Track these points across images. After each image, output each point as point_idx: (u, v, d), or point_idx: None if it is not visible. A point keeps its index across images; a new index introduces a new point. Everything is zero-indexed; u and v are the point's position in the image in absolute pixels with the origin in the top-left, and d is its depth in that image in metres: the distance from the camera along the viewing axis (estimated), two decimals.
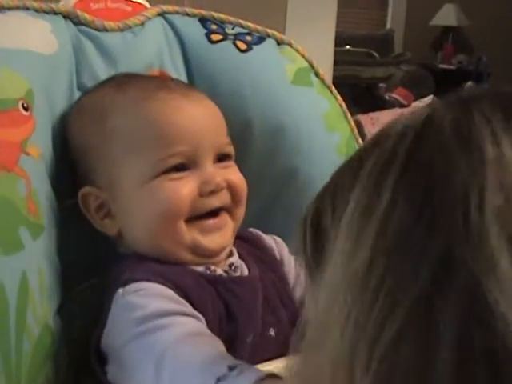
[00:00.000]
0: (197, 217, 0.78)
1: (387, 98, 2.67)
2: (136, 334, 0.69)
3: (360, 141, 1.00)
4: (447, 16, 4.59)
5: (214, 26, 0.97)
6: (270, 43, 0.99)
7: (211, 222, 0.79)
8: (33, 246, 0.73)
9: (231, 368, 0.62)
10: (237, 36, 0.97)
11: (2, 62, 0.76)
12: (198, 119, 0.79)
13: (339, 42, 2.43)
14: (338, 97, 1.01)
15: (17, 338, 0.69)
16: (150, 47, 0.93)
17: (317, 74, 1.00)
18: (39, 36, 0.83)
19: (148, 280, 0.73)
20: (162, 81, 0.84)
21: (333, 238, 0.46)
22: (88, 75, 0.88)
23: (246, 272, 0.83)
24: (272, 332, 0.79)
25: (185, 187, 0.77)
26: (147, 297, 0.71)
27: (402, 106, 2.66)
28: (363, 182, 0.44)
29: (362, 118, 2.59)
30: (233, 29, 0.98)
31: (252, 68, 0.95)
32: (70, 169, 0.83)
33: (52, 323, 0.75)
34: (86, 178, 0.81)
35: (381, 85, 2.73)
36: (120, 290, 0.73)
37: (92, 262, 0.82)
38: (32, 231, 0.73)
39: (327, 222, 0.47)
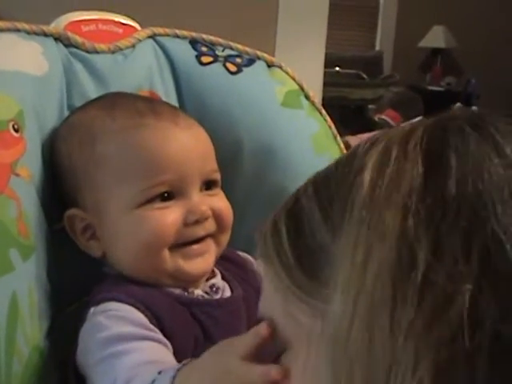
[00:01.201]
0: (181, 243, 0.79)
1: (376, 119, 2.69)
2: (100, 357, 0.70)
3: None
4: (436, 38, 4.62)
5: (204, 48, 0.98)
6: (260, 65, 1.00)
7: (194, 247, 0.79)
8: (23, 267, 0.73)
9: (159, 372, 0.65)
10: (227, 58, 0.98)
11: None
12: (185, 147, 0.79)
13: (328, 63, 2.45)
14: (328, 119, 1.01)
15: (6, 358, 0.69)
16: (140, 69, 0.93)
17: (307, 97, 1.00)
18: (30, 57, 0.83)
19: (119, 301, 0.74)
20: (151, 104, 0.83)
21: (333, 239, 0.46)
22: (78, 96, 0.88)
23: (228, 293, 0.83)
24: None
25: (169, 217, 0.77)
26: (113, 318, 0.72)
27: (391, 127, 2.68)
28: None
29: (352, 139, 2.60)
30: (223, 51, 0.99)
31: (242, 90, 0.96)
32: (59, 189, 0.83)
33: (42, 344, 0.76)
34: (73, 199, 0.82)
35: (370, 106, 2.75)
36: (92, 309, 0.75)
37: (82, 282, 0.81)
38: (22, 252, 0.73)
39: (315, 223, 0.48)
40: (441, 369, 0.39)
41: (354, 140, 2.58)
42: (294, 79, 1.01)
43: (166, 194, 0.78)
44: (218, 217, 0.81)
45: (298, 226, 0.49)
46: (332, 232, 0.47)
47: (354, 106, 2.75)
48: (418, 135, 0.46)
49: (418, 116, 2.83)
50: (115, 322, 0.72)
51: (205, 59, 0.97)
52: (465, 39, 4.60)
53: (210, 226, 0.80)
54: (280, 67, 1.01)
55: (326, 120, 1.01)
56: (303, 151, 0.96)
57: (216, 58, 0.97)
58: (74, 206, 0.81)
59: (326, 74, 2.45)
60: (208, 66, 0.96)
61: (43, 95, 0.83)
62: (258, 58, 1.00)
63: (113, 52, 0.92)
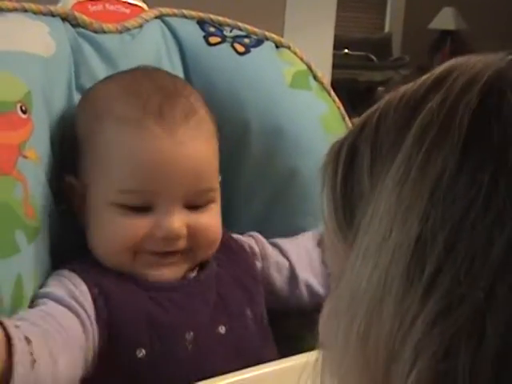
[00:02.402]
0: (145, 251, 0.79)
1: None
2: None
3: None
4: (445, 20, 4.58)
5: (212, 29, 0.97)
6: (268, 46, 0.99)
7: (159, 259, 0.79)
8: (28, 249, 0.73)
9: None
10: (235, 39, 0.97)
11: (1, 65, 0.76)
12: (171, 164, 0.77)
13: (337, 45, 2.43)
14: (337, 100, 1.01)
15: None
16: (148, 49, 0.93)
17: (315, 77, 1.00)
18: (37, 38, 0.83)
19: (74, 271, 0.77)
20: (165, 102, 0.79)
21: (371, 190, 0.43)
22: (87, 77, 0.87)
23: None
24: (222, 330, 0.79)
25: (136, 227, 0.77)
26: (57, 281, 0.76)
27: None
28: (416, 141, 0.41)
29: None
30: (231, 31, 0.98)
31: (250, 71, 0.95)
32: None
33: None
34: (76, 166, 0.82)
35: (379, 88, 2.73)
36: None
37: None
38: (28, 234, 0.73)
39: (363, 168, 0.44)
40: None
41: None
42: (302, 60, 1.00)
43: (139, 206, 0.77)
44: (195, 236, 0.80)
45: (353, 163, 0.45)
46: (371, 182, 0.43)
47: (362, 88, 2.73)
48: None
49: None
50: (58, 283, 0.76)
51: (212, 40, 0.96)
52: (474, 21, 4.56)
53: (180, 244, 0.79)
54: (288, 48, 1.00)
55: (334, 101, 1.00)
56: (312, 132, 0.95)
57: (224, 39, 0.97)
58: (74, 173, 0.81)
59: (334, 56, 2.43)
60: (216, 47, 0.96)
61: (51, 76, 0.82)
62: (267, 39, 0.99)
63: (120, 32, 0.91)
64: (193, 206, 0.80)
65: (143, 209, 0.77)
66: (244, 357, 0.77)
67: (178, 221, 0.78)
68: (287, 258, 0.90)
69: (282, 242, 0.92)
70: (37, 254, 0.75)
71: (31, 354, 0.63)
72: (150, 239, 0.78)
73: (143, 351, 0.75)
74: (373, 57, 2.90)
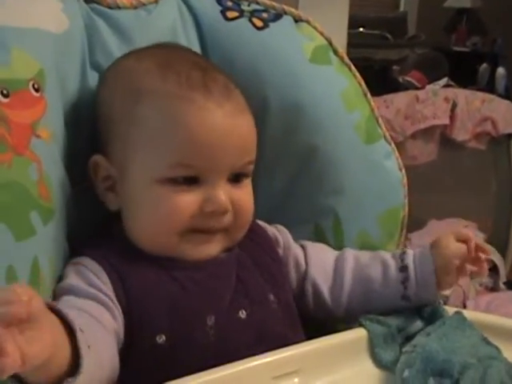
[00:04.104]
0: (193, 229, 0.77)
1: (401, 80, 2.62)
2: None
3: (380, 120, 0.97)
4: None
5: (229, 3, 0.94)
6: (287, 20, 0.95)
7: (203, 236, 0.78)
8: (44, 230, 0.71)
9: None
10: (253, 13, 0.94)
11: (12, 42, 0.73)
12: (223, 136, 0.75)
13: (352, 24, 2.38)
14: (358, 75, 0.98)
15: None
16: (164, 24, 0.90)
17: (335, 52, 0.97)
18: (50, 14, 0.80)
19: (93, 259, 0.75)
20: (205, 74, 0.77)
21: None
22: (101, 53, 0.85)
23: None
24: (242, 314, 0.77)
25: (187, 202, 0.75)
26: (74, 274, 0.74)
27: (416, 88, 2.61)
28: None
29: (376, 100, 2.54)
30: (249, 6, 0.95)
31: (269, 45, 0.92)
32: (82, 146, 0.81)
33: None
34: (102, 146, 0.80)
35: (394, 67, 2.69)
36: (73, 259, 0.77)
37: None
38: (43, 215, 0.71)
39: None
40: None
41: (378, 101, 2.53)
42: (322, 34, 0.97)
43: (189, 178, 0.75)
44: (237, 211, 0.78)
45: None
46: None
47: (378, 66, 2.69)
48: None
49: (443, 77, 2.78)
50: (75, 276, 0.74)
51: (230, 14, 0.93)
52: None
53: (226, 220, 0.78)
54: (308, 22, 0.97)
55: (355, 76, 0.97)
56: (332, 108, 0.93)
57: (242, 13, 0.94)
58: (101, 153, 0.79)
59: (349, 35, 2.39)
60: (234, 22, 0.93)
61: (64, 53, 0.80)
62: (285, 13, 0.96)
63: (135, 7, 0.89)
64: (233, 180, 0.78)
65: (191, 182, 0.75)
66: (266, 342, 0.75)
67: (224, 194, 0.76)
68: (305, 256, 0.88)
69: (306, 242, 0.90)
70: (53, 236, 0.73)
71: (86, 340, 0.60)
72: (198, 216, 0.76)
73: (163, 337, 0.72)
74: (388, 35, 2.86)
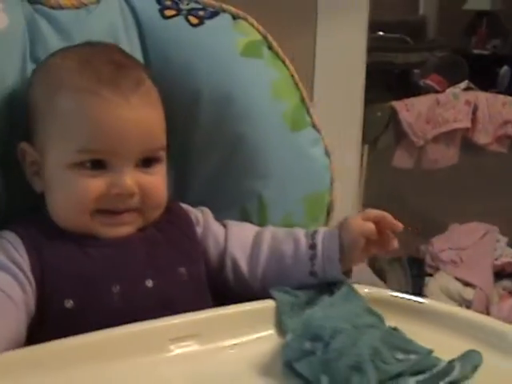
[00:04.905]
0: (102, 210, 0.85)
1: (421, 84, 2.65)
2: None
3: (311, 110, 1.03)
4: (480, 0, 4.48)
5: (168, 2, 1.02)
6: (223, 18, 1.03)
7: (113, 217, 0.86)
8: None
9: None
10: (190, 11, 1.01)
11: None
12: (126, 125, 0.83)
13: (372, 28, 2.43)
14: (291, 68, 1.04)
15: None
16: (104, 24, 0.98)
17: (270, 47, 1.03)
18: None
19: (16, 232, 0.84)
20: (117, 71, 0.86)
21: None
22: (42, 50, 0.93)
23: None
24: (149, 283, 0.85)
25: (93, 186, 0.83)
26: None
27: (437, 91, 2.63)
28: None
29: (397, 104, 2.57)
30: (187, 4, 1.02)
31: (202, 41, 1.00)
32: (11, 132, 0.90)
33: None
34: (29, 135, 0.88)
35: (415, 71, 2.72)
36: None
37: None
38: None
39: None
40: None
41: (399, 105, 2.57)
42: (258, 30, 1.04)
43: (95, 163, 0.83)
44: (144, 195, 0.86)
45: None
46: None
47: (398, 70, 2.73)
48: None
49: (463, 80, 2.80)
50: None
51: (168, 12, 1.01)
52: (510, 1, 4.44)
53: (132, 201, 0.85)
54: (245, 19, 1.04)
55: (288, 69, 1.03)
56: (260, 98, 1.00)
57: (179, 12, 1.01)
58: (28, 141, 0.88)
59: (369, 39, 2.44)
60: (170, 20, 1.00)
61: (1, 49, 0.89)
62: (223, 11, 1.03)
63: (77, 8, 0.97)
64: (142, 166, 0.86)
65: (98, 166, 0.83)
66: (172, 310, 0.81)
67: (131, 179, 0.84)
68: (226, 233, 0.95)
69: (229, 221, 0.97)
70: None
71: None
72: (105, 198, 0.84)
73: (71, 301, 0.81)
74: (408, 39, 2.90)
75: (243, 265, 0.92)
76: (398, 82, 2.62)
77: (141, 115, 0.84)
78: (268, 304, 0.86)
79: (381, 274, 2.34)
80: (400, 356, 0.74)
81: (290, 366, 0.75)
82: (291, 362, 0.75)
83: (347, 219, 0.88)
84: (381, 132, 2.41)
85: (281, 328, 0.84)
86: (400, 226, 0.86)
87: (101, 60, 0.86)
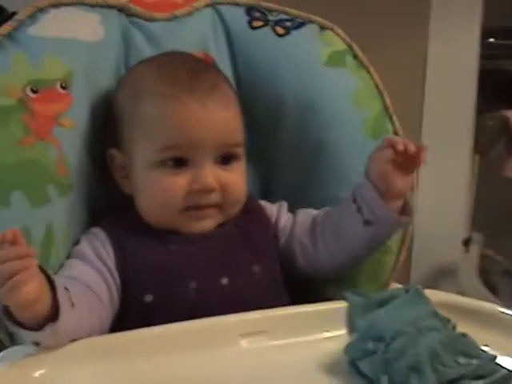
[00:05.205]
0: (188, 207, 0.90)
1: None
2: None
3: (394, 118, 1.05)
4: None
5: (257, 14, 1.07)
6: (310, 28, 1.06)
7: (196, 213, 0.91)
8: (59, 200, 0.87)
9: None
10: (277, 22, 1.06)
11: (46, 49, 0.91)
12: (204, 124, 0.89)
13: (482, 34, 2.39)
14: (376, 76, 1.06)
15: None
16: (193, 33, 1.04)
17: (355, 56, 1.06)
18: (86, 26, 0.96)
19: (104, 229, 0.91)
20: (194, 75, 0.92)
21: None
22: (136, 60, 1.00)
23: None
24: (224, 281, 0.89)
25: (177, 183, 0.89)
26: (87, 240, 0.91)
27: None
28: None
29: (509, 112, 2.53)
30: (276, 16, 1.07)
31: (287, 51, 1.04)
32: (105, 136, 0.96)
33: None
34: (117, 141, 0.94)
35: None
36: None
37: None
38: (59, 189, 0.87)
39: None
40: None
41: (511, 113, 2.52)
42: (344, 40, 1.07)
43: (176, 160, 0.89)
44: (224, 191, 0.91)
45: None
46: None
47: (510, 77, 2.67)
48: None
49: None
50: (87, 243, 0.90)
51: (256, 23, 1.06)
52: None
53: (213, 197, 0.91)
54: (332, 29, 1.07)
55: (373, 78, 1.05)
56: (342, 106, 1.03)
57: (266, 22, 1.06)
58: (116, 146, 0.94)
59: (481, 46, 2.40)
60: (258, 30, 1.05)
61: (96, 58, 0.96)
62: (310, 22, 1.07)
63: (170, 19, 1.03)
64: (221, 162, 0.92)
65: (180, 164, 0.89)
66: (244, 307, 0.85)
67: (211, 175, 0.90)
68: (294, 220, 1.00)
69: (298, 210, 1.02)
70: (68, 207, 0.89)
71: (70, 298, 0.76)
72: (188, 195, 0.89)
73: (151, 296, 0.87)
74: None
75: (308, 244, 0.97)
76: (510, 89, 2.57)
77: (215, 115, 0.90)
78: (340, 304, 0.89)
79: (494, 288, 2.31)
80: (462, 360, 0.75)
81: (355, 365, 0.78)
82: (355, 361, 0.78)
83: (368, 157, 0.92)
84: (492, 141, 2.37)
85: (351, 328, 0.87)
86: (411, 146, 0.86)
87: (178, 67, 0.93)
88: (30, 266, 0.68)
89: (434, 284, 2.41)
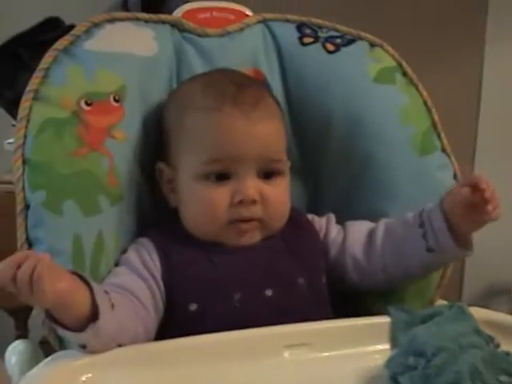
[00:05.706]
0: (232, 220, 0.91)
1: None
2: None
3: (443, 135, 1.05)
4: None
5: (308, 31, 1.08)
6: (360, 45, 1.08)
7: (239, 226, 0.92)
8: (110, 210, 0.90)
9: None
10: (327, 39, 1.08)
11: (100, 63, 0.94)
12: (247, 137, 0.91)
13: None
14: (424, 94, 1.06)
15: None
16: (244, 49, 1.07)
17: (404, 73, 1.07)
18: (140, 41, 0.99)
19: (152, 240, 0.93)
20: (238, 90, 0.93)
21: None
22: (188, 74, 1.03)
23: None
24: (269, 293, 0.90)
25: (219, 197, 0.91)
26: (135, 250, 0.92)
27: None
28: None
29: None
30: (326, 32, 1.08)
31: (336, 67, 1.05)
32: (155, 149, 0.99)
33: None
34: (164, 155, 0.97)
35: None
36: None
37: None
38: (110, 199, 0.90)
39: None
40: None
41: None
42: (393, 57, 1.07)
43: (220, 174, 0.91)
44: (266, 205, 0.92)
45: None
46: None
47: None
48: None
49: None
50: (134, 252, 0.92)
51: (306, 40, 1.08)
52: None
53: (255, 210, 0.92)
54: (381, 46, 1.08)
55: (421, 94, 1.06)
56: (389, 122, 1.04)
57: (317, 39, 1.08)
58: (164, 160, 0.97)
59: None
60: (308, 46, 1.07)
61: (150, 72, 0.99)
62: (360, 39, 1.08)
63: (222, 35, 1.06)
64: (264, 176, 0.93)
65: (223, 177, 0.91)
66: (288, 319, 0.86)
67: (252, 187, 0.91)
68: (345, 234, 1.00)
69: (348, 222, 1.02)
70: (118, 217, 0.91)
71: (110, 300, 0.79)
72: (231, 207, 0.91)
73: (195, 305, 0.88)
74: None
75: (361, 258, 0.97)
76: None
77: (258, 128, 0.92)
78: (383, 319, 0.89)
79: None
80: (504, 378, 0.75)
81: (396, 380, 0.78)
82: (396, 376, 0.78)
83: (452, 187, 0.92)
84: None
85: (394, 344, 0.87)
86: (490, 192, 0.85)
87: (223, 82, 0.95)
88: (40, 259, 0.70)
89: (485, 303, 2.39)
